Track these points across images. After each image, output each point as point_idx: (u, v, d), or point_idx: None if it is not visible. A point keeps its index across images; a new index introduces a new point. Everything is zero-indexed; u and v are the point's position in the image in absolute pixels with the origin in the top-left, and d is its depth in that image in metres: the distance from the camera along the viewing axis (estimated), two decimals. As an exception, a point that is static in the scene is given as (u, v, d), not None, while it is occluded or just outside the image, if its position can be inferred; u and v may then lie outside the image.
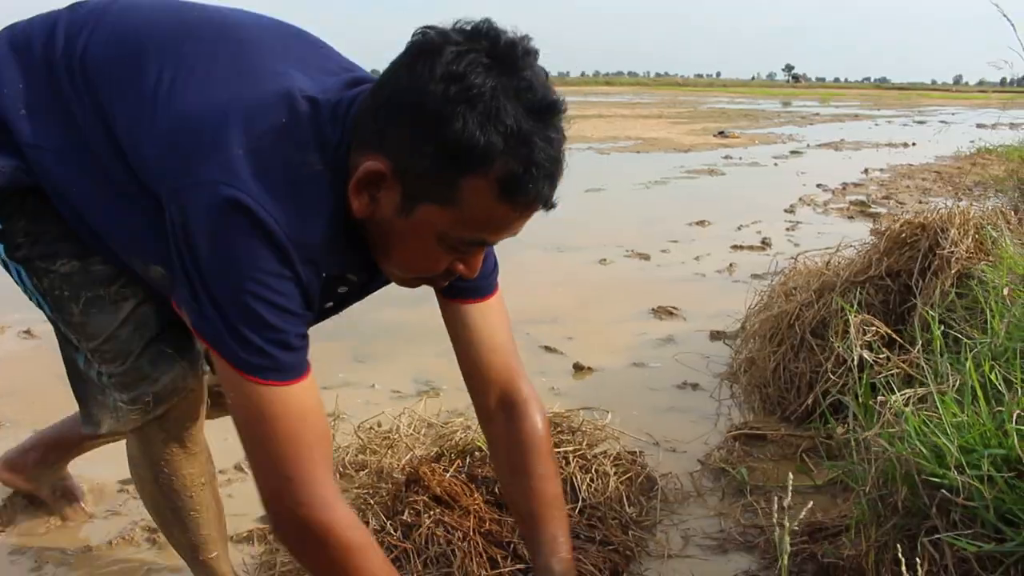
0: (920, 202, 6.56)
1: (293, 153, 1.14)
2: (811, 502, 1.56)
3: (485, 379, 1.46)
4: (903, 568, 1.24)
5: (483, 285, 1.44)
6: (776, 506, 1.15)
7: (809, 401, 2.27)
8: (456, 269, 1.21)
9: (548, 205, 1.16)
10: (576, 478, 1.91)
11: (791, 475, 0.92)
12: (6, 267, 1.41)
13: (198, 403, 1.44)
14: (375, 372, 2.94)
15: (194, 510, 1.51)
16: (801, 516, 1.44)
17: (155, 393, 1.37)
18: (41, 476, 2.00)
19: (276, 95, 1.18)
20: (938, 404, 1.39)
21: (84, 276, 1.36)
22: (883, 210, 6.29)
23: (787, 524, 0.91)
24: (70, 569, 1.86)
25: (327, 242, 1.17)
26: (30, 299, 1.43)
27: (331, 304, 1.39)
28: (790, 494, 1.27)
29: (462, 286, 1.40)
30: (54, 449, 1.95)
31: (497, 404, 1.48)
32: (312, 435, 1.18)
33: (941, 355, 1.68)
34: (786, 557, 1.01)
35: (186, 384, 1.40)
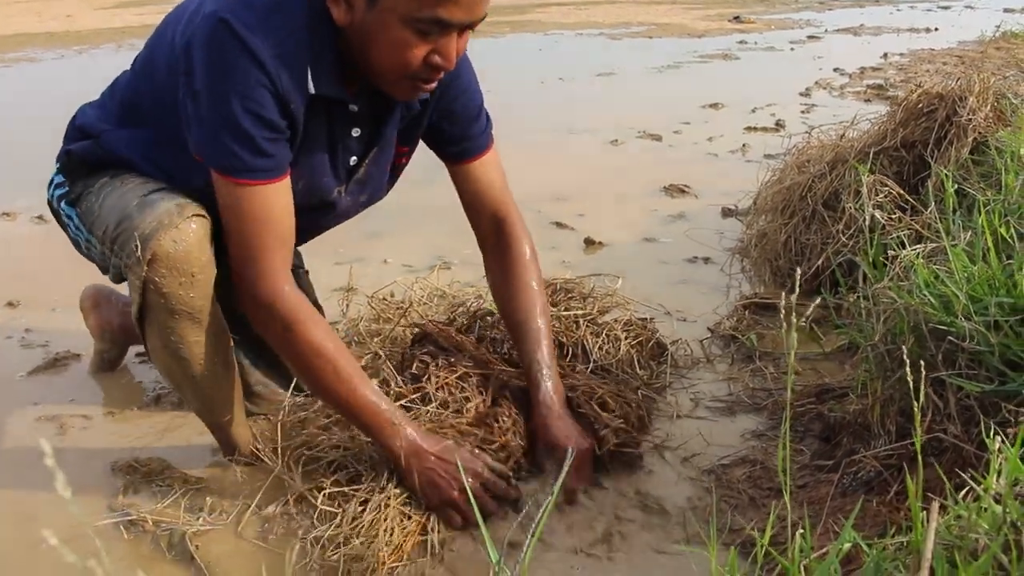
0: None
1: None
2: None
3: (480, 211, 1.77)
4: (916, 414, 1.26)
5: (477, 145, 1.72)
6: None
7: (820, 263, 2.27)
8: (434, 61, 1.36)
9: None
10: (587, 341, 1.94)
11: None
12: (60, 219, 1.66)
13: (191, 265, 1.45)
14: (387, 248, 2.95)
15: (203, 374, 1.56)
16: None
17: (140, 235, 1.42)
18: (108, 336, 2.13)
19: None
20: (950, 255, 1.39)
21: (119, 184, 1.54)
22: (901, 93, 6.16)
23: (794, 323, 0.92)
24: (90, 432, 1.92)
25: (308, 53, 1.38)
26: (78, 248, 1.66)
27: (355, 159, 1.57)
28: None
29: (460, 149, 1.71)
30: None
31: (489, 226, 1.78)
32: (278, 232, 1.44)
33: (954, 213, 1.67)
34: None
35: (171, 220, 1.44)
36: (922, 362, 1.14)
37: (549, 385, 1.68)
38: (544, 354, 1.70)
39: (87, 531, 1.52)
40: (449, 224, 3.16)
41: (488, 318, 1.98)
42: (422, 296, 2.17)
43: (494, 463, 1.56)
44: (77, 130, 1.64)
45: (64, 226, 1.66)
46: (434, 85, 1.45)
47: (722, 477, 1.67)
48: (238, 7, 1.34)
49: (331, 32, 1.40)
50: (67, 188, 1.62)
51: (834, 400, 1.81)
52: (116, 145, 1.56)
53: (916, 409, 0.91)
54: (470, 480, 1.45)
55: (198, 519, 1.56)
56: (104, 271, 1.63)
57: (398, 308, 2.18)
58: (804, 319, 0.92)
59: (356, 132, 1.54)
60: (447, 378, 1.69)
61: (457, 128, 1.69)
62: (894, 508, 1.35)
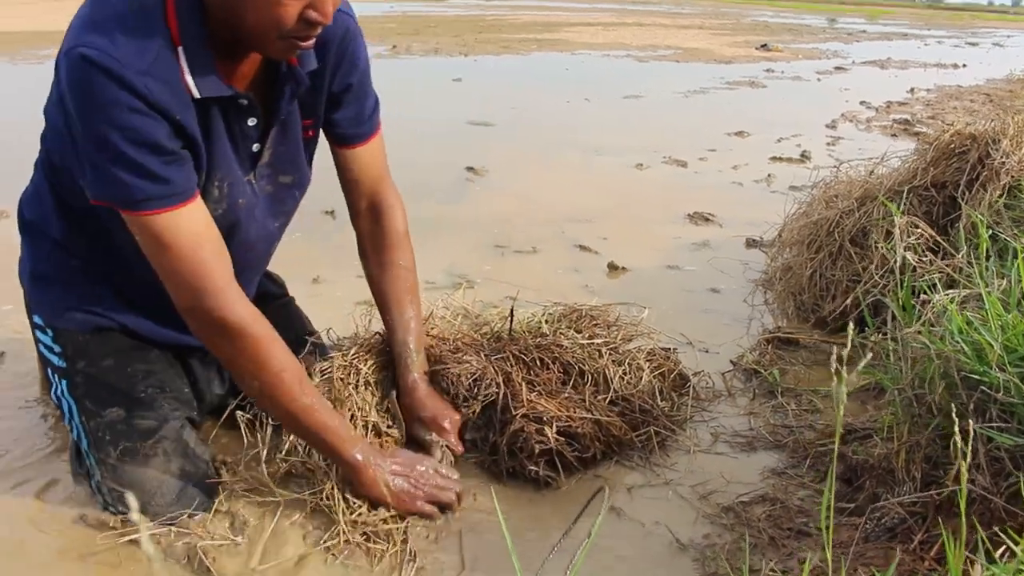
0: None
1: (116, 1, 1.31)
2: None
3: (359, 193, 1.77)
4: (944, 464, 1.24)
5: (363, 131, 1.71)
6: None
7: (848, 302, 2.25)
8: (310, 16, 1.31)
9: None
10: (608, 370, 1.92)
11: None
12: (59, 402, 1.66)
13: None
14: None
15: None
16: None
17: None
18: None
19: None
20: (986, 303, 1.38)
21: (128, 427, 1.58)
22: (928, 130, 6.14)
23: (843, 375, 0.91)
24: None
25: (177, 52, 1.33)
26: (70, 431, 1.66)
27: (257, 146, 1.56)
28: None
29: (347, 133, 1.69)
30: None
31: (366, 207, 1.79)
32: (207, 250, 1.40)
33: (987, 259, 1.66)
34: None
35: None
36: (954, 410, 1.12)
37: (416, 369, 1.77)
38: (412, 338, 1.78)
39: (106, 543, 1.52)
40: (471, 241, 3.18)
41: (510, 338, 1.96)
42: (445, 314, 2.16)
43: (436, 462, 1.68)
44: (29, 230, 1.68)
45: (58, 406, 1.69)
46: (311, 43, 1.40)
47: (741, 515, 1.65)
48: (87, 33, 1.28)
49: (199, 18, 1.35)
50: (64, 364, 1.65)
51: (857, 441, 1.78)
52: (64, 255, 1.62)
53: (959, 459, 0.89)
54: (433, 480, 1.61)
55: (211, 533, 1.55)
56: (76, 452, 1.67)
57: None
58: (838, 361, 0.90)
59: (252, 121, 1.50)
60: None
61: (353, 107, 1.68)
62: (918, 557, 1.33)
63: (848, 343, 1.00)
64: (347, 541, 1.52)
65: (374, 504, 1.57)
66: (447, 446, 1.72)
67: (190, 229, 1.39)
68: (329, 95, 1.65)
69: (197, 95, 1.37)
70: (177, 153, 1.37)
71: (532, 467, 1.71)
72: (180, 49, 1.34)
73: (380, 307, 1.83)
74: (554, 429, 1.73)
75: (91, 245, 1.59)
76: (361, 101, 1.69)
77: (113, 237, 1.51)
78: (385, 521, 1.56)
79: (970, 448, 1.33)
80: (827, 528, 0.96)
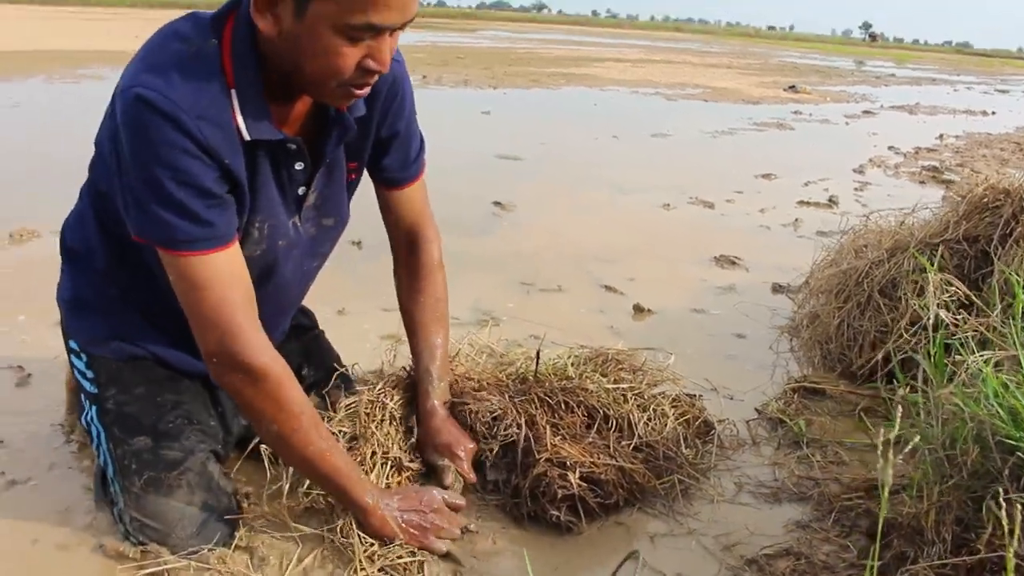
0: (997, 172, 6.36)
1: (175, 45, 1.35)
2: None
3: (400, 227, 1.83)
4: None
5: (408, 175, 1.77)
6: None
7: (879, 357, 2.23)
8: (367, 66, 1.34)
9: None
10: (633, 415, 1.91)
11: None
12: (88, 427, 1.68)
13: None
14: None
15: None
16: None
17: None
18: None
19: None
20: (1023, 363, 1.36)
21: (154, 457, 1.59)
22: (957, 178, 6.11)
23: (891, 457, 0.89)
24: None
25: (232, 97, 1.36)
26: (97, 456, 1.67)
27: (303, 189, 1.58)
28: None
29: (394, 177, 1.76)
30: None
31: (404, 239, 1.84)
32: (237, 295, 1.42)
33: (1022, 319, 1.64)
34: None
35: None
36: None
37: (436, 397, 1.81)
38: (435, 366, 1.83)
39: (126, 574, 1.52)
40: (497, 277, 3.18)
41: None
42: (471, 352, 2.15)
43: (445, 493, 1.69)
44: (71, 257, 1.70)
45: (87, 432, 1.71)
46: (367, 91, 1.42)
47: (765, 568, 1.62)
48: (145, 74, 1.32)
49: (254, 63, 1.38)
50: (96, 390, 1.67)
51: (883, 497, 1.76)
52: (106, 282, 1.64)
53: (1005, 522, 0.87)
54: (436, 516, 1.62)
55: (230, 569, 1.54)
56: (101, 478, 1.68)
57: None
58: (883, 445, 0.89)
59: (299, 165, 1.53)
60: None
61: (400, 153, 1.73)
62: (949, 624, 1.30)
63: (895, 404, 0.98)
64: (365, 577, 1.51)
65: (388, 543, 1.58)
66: (458, 472, 1.75)
67: (224, 272, 1.41)
68: (377, 140, 1.68)
69: (247, 138, 1.40)
70: (222, 197, 1.40)
71: (554, 512, 1.69)
72: (233, 92, 1.37)
73: (408, 333, 1.87)
74: (577, 474, 1.71)
75: (131, 275, 1.61)
76: (408, 146, 1.74)
77: (154, 269, 1.53)
78: (400, 556, 1.55)
79: (1014, 517, 1.31)
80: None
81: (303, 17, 1.29)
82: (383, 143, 1.70)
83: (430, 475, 1.77)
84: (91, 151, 1.56)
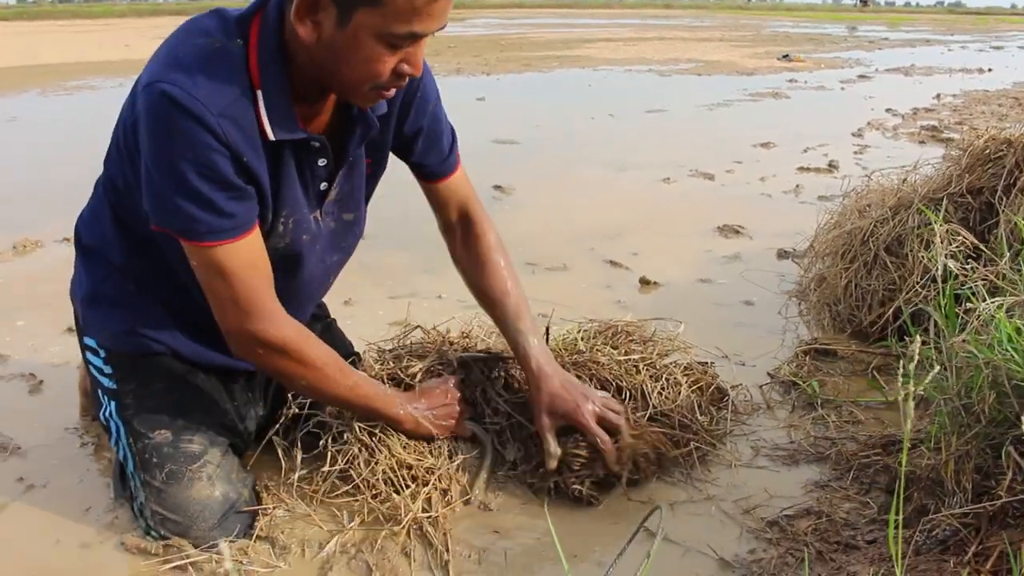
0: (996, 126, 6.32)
1: (200, 41, 1.37)
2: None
3: (448, 211, 1.83)
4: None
5: (448, 166, 1.78)
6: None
7: (889, 313, 2.22)
8: (402, 71, 1.38)
9: None
10: (646, 385, 1.91)
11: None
12: (107, 423, 1.69)
13: None
14: (443, 283, 2.95)
15: None
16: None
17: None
18: None
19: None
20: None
21: (174, 450, 1.61)
22: (956, 135, 6.09)
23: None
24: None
25: (256, 96, 1.38)
26: (116, 451, 1.68)
27: (325, 185, 1.60)
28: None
29: (433, 171, 1.77)
30: None
31: (456, 219, 1.84)
32: (258, 278, 1.47)
33: (1032, 264, 1.63)
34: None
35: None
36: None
37: (539, 353, 1.75)
38: (527, 324, 1.78)
39: (148, 569, 1.52)
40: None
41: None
42: (480, 334, 2.15)
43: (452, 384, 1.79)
44: (87, 253, 1.70)
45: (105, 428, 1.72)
46: (394, 92, 1.46)
47: (786, 529, 1.62)
48: (171, 70, 1.33)
49: (280, 65, 1.40)
50: (115, 385, 1.68)
51: (902, 452, 1.75)
52: (124, 278, 1.65)
53: None
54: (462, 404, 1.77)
55: (252, 559, 1.55)
56: (120, 474, 1.70)
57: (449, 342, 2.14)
58: (903, 375, 0.89)
59: (323, 162, 1.55)
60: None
61: (428, 148, 1.73)
62: (974, 570, 1.30)
63: (906, 370, 0.97)
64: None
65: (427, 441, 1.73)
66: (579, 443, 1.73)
67: (245, 259, 1.45)
68: (401, 138, 1.70)
69: (272, 138, 1.42)
70: (243, 189, 1.42)
71: (576, 486, 1.69)
72: (259, 92, 1.39)
73: (485, 305, 1.85)
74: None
75: (149, 268, 1.62)
76: (438, 140, 1.74)
77: (171, 262, 1.55)
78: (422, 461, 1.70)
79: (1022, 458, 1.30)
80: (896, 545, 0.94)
81: (346, 25, 1.32)
82: (408, 140, 1.71)
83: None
84: (90, 160, 1.58)
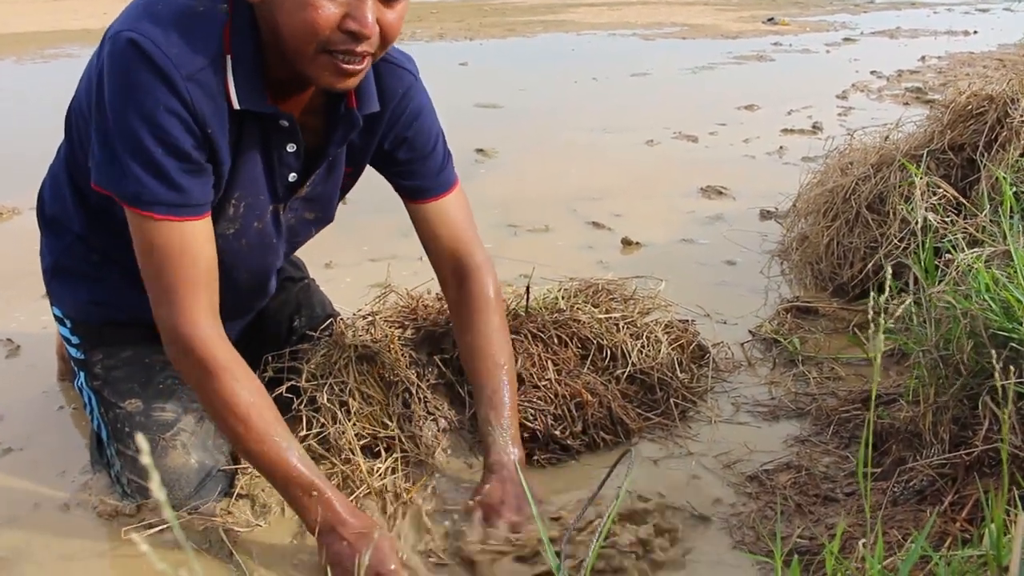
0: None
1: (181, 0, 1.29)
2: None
3: (439, 251, 1.66)
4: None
5: (435, 184, 1.63)
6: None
7: (869, 268, 2.22)
8: (348, 27, 1.24)
9: None
10: (626, 344, 1.90)
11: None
12: (80, 392, 1.68)
13: None
14: (420, 246, 2.94)
15: None
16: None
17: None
18: None
19: None
20: (1015, 258, 1.35)
21: (146, 419, 1.58)
22: (941, 97, 6.07)
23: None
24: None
25: (226, 62, 1.30)
26: (91, 421, 1.67)
27: (294, 176, 1.50)
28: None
29: (415, 187, 1.62)
30: None
31: (448, 268, 1.66)
32: (199, 273, 1.34)
33: (1011, 216, 1.62)
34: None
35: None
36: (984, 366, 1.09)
37: (503, 452, 1.55)
38: (502, 417, 1.57)
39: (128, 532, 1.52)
40: (483, 221, 3.08)
41: (521, 315, 1.94)
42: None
43: (414, 561, 1.36)
44: (49, 223, 1.65)
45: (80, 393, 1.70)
46: (359, 68, 1.30)
47: (766, 483, 1.63)
48: (143, 21, 1.25)
49: (253, 35, 1.32)
50: (83, 355, 1.65)
51: (882, 406, 1.76)
52: (86, 250, 1.60)
53: (1003, 412, 0.87)
54: None
55: (234, 517, 1.54)
56: (96, 442, 1.69)
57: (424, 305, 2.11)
58: (874, 320, 0.88)
59: (291, 148, 1.45)
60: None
61: (413, 161, 1.61)
62: (950, 519, 1.30)
63: (877, 307, 0.97)
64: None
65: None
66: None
67: (188, 245, 1.33)
68: (383, 151, 1.60)
69: (237, 106, 1.32)
70: (199, 164, 1.32)
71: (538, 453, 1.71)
72: (229, 59, 1.30)
73: (469, 379, 1.69)
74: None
75: (110, 238, 1.54)
76: (422, 156, 1.61)
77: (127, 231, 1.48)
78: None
79: (1004, 406, 1.30)
80: (865, 489, 0.94)
81: None
82: (389, 152, 1.60)
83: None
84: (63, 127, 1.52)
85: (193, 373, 1.36)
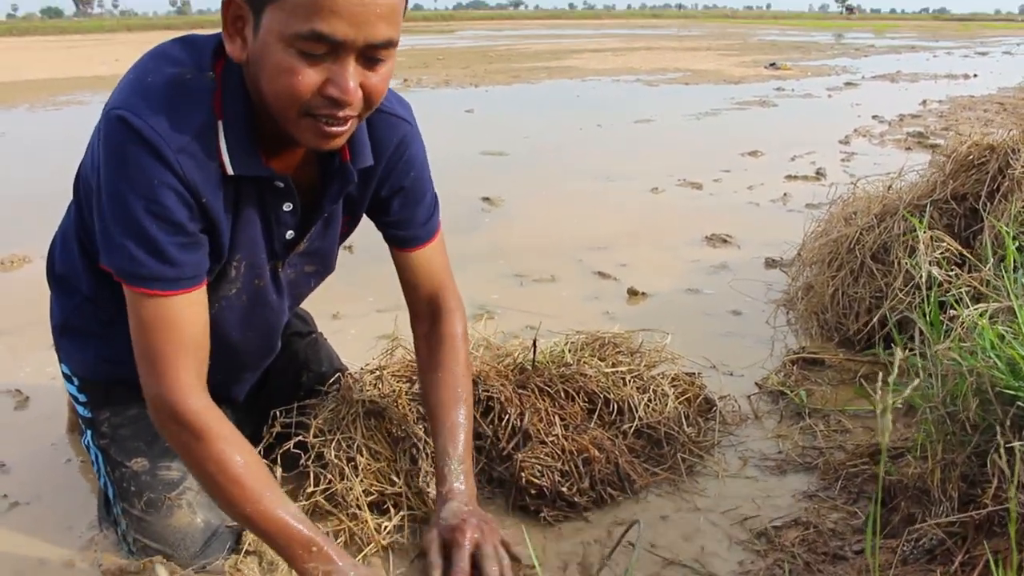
0: (981, 132, 6.36)
1: (169, 69, 1.29)
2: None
3: (417, 294, 1.70)
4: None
5: (423, 234, 1.66)
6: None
7: (875, 321, 2.23)
8: (329, 94, 1.22)
9: None
10: (633, 398, 1.91)
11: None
12: (88, 450, 1.68)
13: None
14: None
15: None
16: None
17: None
18: None
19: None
20: (1018, 316, 1.36)
21: (152, 478, 1.59)
22: (942, 142, 6.12)
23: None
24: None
25: (218, 131, 1.30)
26: (98, 479, 1.67)
27: (291, 233, 1.50)
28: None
29: (402, 235, 1.64)
30: None
31: (424, 308, 1.70)
32: (188, 344, 1.33)
33: (1015, 271, 1.63)
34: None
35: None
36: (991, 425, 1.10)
37: (456, 481, 1.57)
38: (455, 446, 1.60)
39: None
40: (489, 271, 3.17)
41: (530, 368, 1.95)
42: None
43: None
44: (59, 281, 1.65)
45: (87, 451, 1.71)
46: (343, 129, 1.28)
47: (775, 540, 1.62)
48: (133, 97, 1.26)
49: (243, 97, 1.31)
50: (91, 414, 1.66)
51: (889, 461, 1.76)
52: (94, 314, 1.60)
53: (1012, 476, 0.87)
54: None
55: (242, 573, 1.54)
56: (104, 500, 1.68)
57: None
58: (883, 381, 0.89)
59: (288, 207, 1.45)
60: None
61: (406, 210, 1.62)
62: (961, 580, 1.29)
63: (896, 362, 0.98)
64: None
65: None
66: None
67: (181, 318, 1.33)
68: (379, 199, 1.60)
69: (231, 172, 1.32)
70: (195, 236, 1.33)
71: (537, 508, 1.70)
72: (220, 125, 1.30)
73: (427, 413, 1.70)
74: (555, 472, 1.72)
75: (116, 300, 1.50)
76: (415, 205, 1.63)
77: None
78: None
79: (1014, 466, 1.30)
80: (874, 549, 0.94)
81: (259, 31, 1.22)
82: (386, 201, 1.60)
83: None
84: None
85: (180, 440, 1.35)
